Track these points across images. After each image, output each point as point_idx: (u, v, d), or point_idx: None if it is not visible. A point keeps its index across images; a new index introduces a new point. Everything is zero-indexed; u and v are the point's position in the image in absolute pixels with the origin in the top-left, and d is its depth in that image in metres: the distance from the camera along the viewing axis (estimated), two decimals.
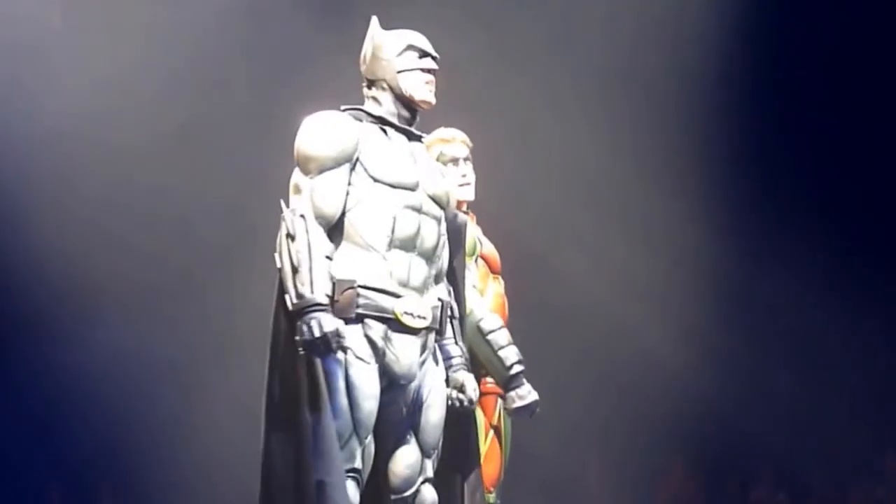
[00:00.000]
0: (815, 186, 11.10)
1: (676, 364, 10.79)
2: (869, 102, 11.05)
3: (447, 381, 6.05)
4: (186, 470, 10.65)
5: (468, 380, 6.08)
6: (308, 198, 5.75)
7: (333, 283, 5.68)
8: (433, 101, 6.06)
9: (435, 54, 6.10)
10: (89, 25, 9.72)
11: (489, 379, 6.84)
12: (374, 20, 6.11)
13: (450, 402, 6.02)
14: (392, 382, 5.81)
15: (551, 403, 6.86)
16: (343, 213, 5.79)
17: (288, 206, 5.77)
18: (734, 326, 11.03)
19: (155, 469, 10.86)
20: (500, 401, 6.91)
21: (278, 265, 5.68)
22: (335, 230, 5.79)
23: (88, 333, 10.65)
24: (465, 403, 6.05)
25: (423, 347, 5.90)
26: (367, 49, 6.10)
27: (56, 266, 10.19)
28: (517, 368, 6.74)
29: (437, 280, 6.05)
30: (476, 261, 6.95)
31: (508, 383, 6.74)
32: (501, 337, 6.75)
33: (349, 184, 5.81)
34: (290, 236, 5.65)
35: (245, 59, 10.00)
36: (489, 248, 7.06)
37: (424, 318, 5.85)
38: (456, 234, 6.24)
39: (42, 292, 10.34)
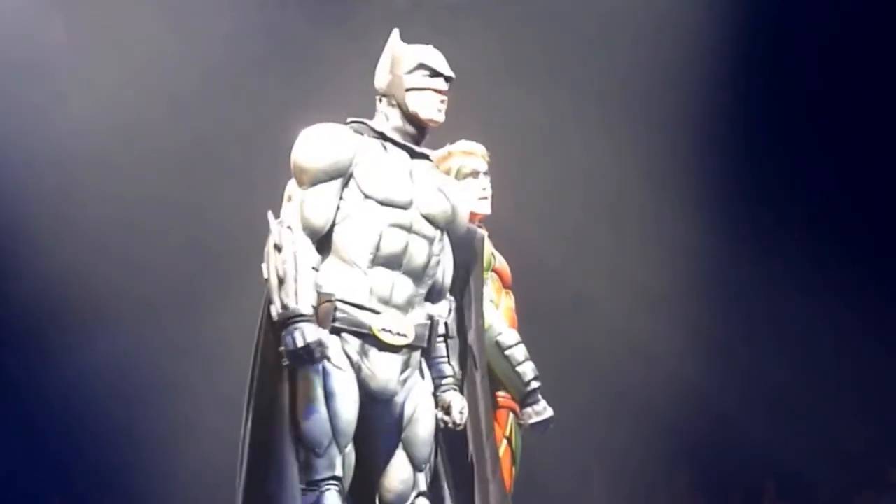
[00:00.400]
0: (823, 193, 11.06)
1: (680, 373, 10.78)
2: (869, 102, 11.05)
3: (435, 401, 6.02)
4: (187, 478, 10.62)
5: (455, 400, 6.05)
6: (298, 209, 5.75)
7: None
8: (440, 119, 6.01)
9: (449, 74, 6.04)
10: (94, 42, 9.66)
11: (501, 392, 6.82)
12: (395, 33, 6.09)
13: (441, 423, 6.01)
14: (372, 398, 5.81)
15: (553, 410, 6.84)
16: (332, 227, 5.78)
17: (278, 216, 5.77)
18: (740, 338, 11.01)
19: (155, 477, 10.83)
20: (511, 415, 6.87)
21: (265, 276, 5.69)
22: (323, 243, 5.78)
23: (91, 343, 10.63)
24: (450, 425, 6.03)
25: (406, 365, 5.89)
26: (383, 62, 6.07)
27: (58, 278, 10.17)
28: (534, 385, 6.75)
29: (433, 298, 6.03)
30: (489, 275, 6.87)
31: (525, 399, 6.77)
32: (519, 353, 6.76)
33: (340, 198, 5.79)
34: (277, 247, 5.66)
35: (253, 75, 9.95)
36: (501, 263, 7.04)
37: (405, 335, 5.84)
38: (473, 249, 6.25)
39: (45, 303, 10.31)
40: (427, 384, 6.01)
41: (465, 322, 6.23)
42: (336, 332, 5.73)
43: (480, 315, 6.33)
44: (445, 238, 6.07)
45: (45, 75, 9.71)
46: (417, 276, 5.90)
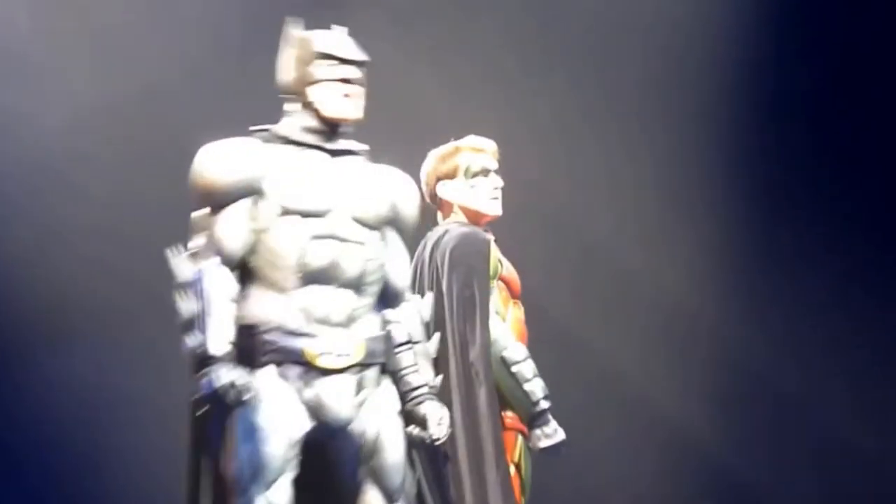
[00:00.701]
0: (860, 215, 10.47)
1: (711, 400, 10.18)
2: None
3: (409, 417, 5.58)
4: (168, 499, 10.21)
5: (431, 411, 5.56)
6: (208, 237, 5.30)
7: (238, 329, 5.23)
8: (351, 115, 5.51)
9: (358, 58, 5.52)
10: (62, 28, 9.20)
11: (509, 413, 6.32)
12: (292, 24, 5.57)
13: (419, 440, 5.58)
14: (327, 427, 5.34)
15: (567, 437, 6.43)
16: (249, 251, 5.30)
17: (186, 248, 5.33)
18: (778, 364, 10.37)
19: (133, 498, 10.43)
20: (520, 437, 6.37)
21: (177, 314, 5.24)
22: (243, 270, 5.31)
23: (65, 360, 10.23)
24: (428, 440, 5.56)
25: (360, 386, 5.41)
26: (284, 57, 5.57)
27: (32, 291, 9.72)
28: (544, 405, 6.29)
29: (389, 303, 5.58)
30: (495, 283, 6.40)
31: (533, 420, 6.30)
32: (527, 369, 6.26)
33: (253, 218, 5.31)
34: (182, 285, 5.22)
35: (236, 67, 9.48)
36: (509, 270, 6.52)
37: (348, 354, 5.34)
38: (477, 255, 6.07)
39: (22, 316, 9.89)
40: (392, 403, 5.53)
41: (463, 326, 6.00)
42: (273, 363, 5.28)
43: (486, 328, 6.01)
44: (390, 235, 5.60)
45: (6, 66, 9.24)
46: (356, 286, 5.40)
